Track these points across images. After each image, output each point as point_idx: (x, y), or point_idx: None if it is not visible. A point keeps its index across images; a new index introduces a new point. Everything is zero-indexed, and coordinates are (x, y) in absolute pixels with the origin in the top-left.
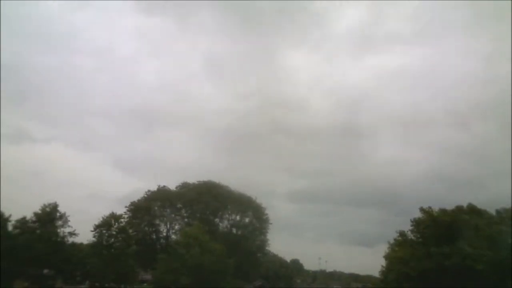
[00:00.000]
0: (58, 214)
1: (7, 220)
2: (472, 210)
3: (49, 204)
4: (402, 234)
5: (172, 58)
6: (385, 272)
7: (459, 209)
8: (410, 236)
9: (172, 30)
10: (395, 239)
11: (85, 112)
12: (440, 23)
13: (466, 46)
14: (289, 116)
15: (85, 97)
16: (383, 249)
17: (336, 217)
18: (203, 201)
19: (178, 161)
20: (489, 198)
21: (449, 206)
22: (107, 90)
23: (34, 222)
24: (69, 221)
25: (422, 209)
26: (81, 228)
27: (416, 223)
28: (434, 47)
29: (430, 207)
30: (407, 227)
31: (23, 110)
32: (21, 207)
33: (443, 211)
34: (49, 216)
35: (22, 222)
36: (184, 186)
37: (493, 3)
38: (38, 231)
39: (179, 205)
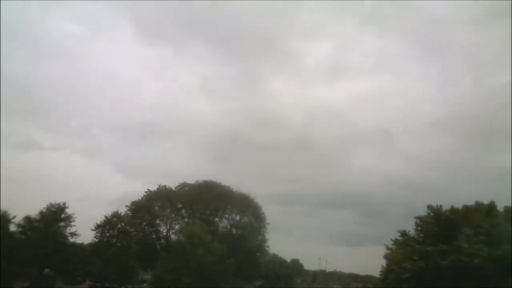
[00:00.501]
0: (63, 215)
1: (9, 220)
2: (491, 209)
3: (56, 204)
4: (403, 233)
5: (170, 81)
6: (385, 272)
7: (469, 207)
8: (413, 235)
9: (170, 57)
10: (395, 239)
11: (90, 124)
12: (395, 56)
13: (420, 73)
14: (272, 130)
15: (91, 111)
16: (368, 249)
17: (315, 217)
18: (203, 200)
19: (172, 166)
20: (442, 199)
21: (410, 207)
22: (111, 105)
23: (38, 221)
24: (73, 220)
25: (429, 207)
26: (81, 229)
27: (420, 221)
28: (393, 75)
29: (439, 205)
30: (380, 227)
31: (34, 122)
32: (27, 209)
33: (452, 209)
34: (55, 216)
35: (27, 221)
36: (184, 186)
37: (439, 38)
38: (42, 230)
39: (179, 205)
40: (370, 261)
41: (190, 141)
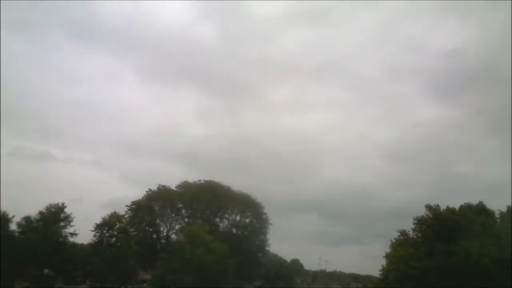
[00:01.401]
0: (63, 215)
1: (9, 220)
2: (481, 209)
3: (55, 204)
4: (403, 233)
5: (167, 110)
6: (386, 271)
7: (465, 208)
8: (412, 235)
9: (168, 93)
10: (395, 239)
11: (99, 142)
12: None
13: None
14: (249, 149)
15: (100, 132)
16: (346, 248)
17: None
18: (204, 200)
19: (170, 179)
20: (391, 205)
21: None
22: (118, 128)
23: (38, 221)
24: (72, 220)
25: (428, 207)
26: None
27: (419, 221)
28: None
29: (437, 205)
30: (346, 228)
31: (51, 140)
32: (27, 209)
33: (450, 210)
34: (54, 216)
35: (27, 220)
36: (185, 186)
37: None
38: (42, 231)
39: (179, 205)
40: (370, 261)
41: (184, 158)
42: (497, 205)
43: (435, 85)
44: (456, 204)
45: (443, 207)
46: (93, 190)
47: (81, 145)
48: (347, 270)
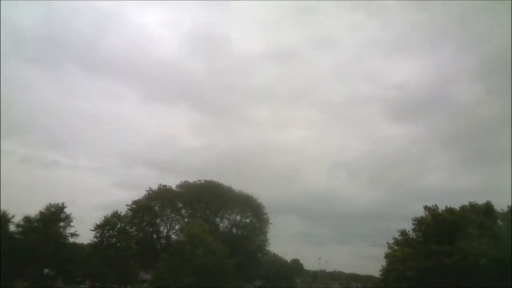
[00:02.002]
0: (63, 215)
1: (9, 220)
2: (481, 209)
3: (55, 204)
4: (403, 233)
5: (165, 124)
6: (385, 272)
7: (465, 208)
8: (412, 235)
9: (164, 110)
10: (395, 238)
11: (102, 152)
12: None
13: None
14: (238, 159)
15: (102, 142)
16: (333, 248)
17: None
18: (204, 200)
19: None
20: (363, 206)
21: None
22: (119, 139)
23: (38, 221)
24: (72, 221)
25: (426, 207)
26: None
27: (418, 222)
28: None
29: (435, 205)
30: (325, 229)
31: (59, 150)
32: (27, 208)
33: (449, 210)
34: (54, 216)
35: (27, 220)
36: (185, 186)
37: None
38: (42, 230)
39: (179, 205)
40: (370, 261)
41: (177, 163)
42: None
43: (391, 109)
44: (416, 205)
45: (404, 209)
46: (88, 193)
47: (86, 154)
48: (347, 270)
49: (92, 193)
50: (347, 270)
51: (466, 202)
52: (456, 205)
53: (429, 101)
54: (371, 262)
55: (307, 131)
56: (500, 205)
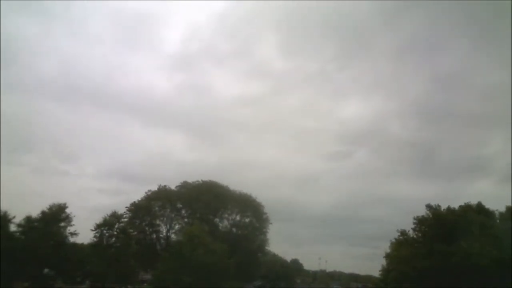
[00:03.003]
0: (64, 214)
1: (9, 220)
2: (480, 209)
3: (56, 204)
4: (403, 233)
5: (163, 144)
6: (386, 271)
7: (465, 208)
8: (412, 235)
9: (162, 133)
10: (396, 238)
11: (104, 165)
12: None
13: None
14: (224, 171)
15: (105, 157)
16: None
17: None
18: (203, 200)
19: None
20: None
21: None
22: (121, 154)
23: (38, 221)
24: (72, 220)
25: (428, 206)
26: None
27: (419, 221)
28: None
29: (437, 205)
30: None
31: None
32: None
33: (450, 210)
34: (55, 216)
35: (27, 220)
36: (184, 186)
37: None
38: (42, 230)
39: (179, 205)
40: (370, 261)
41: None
42: (494, 206)
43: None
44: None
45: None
46: (87, 197)
47: (92, 166)
48: (347, 270)
49: (90, 197)
50: (347, 270)
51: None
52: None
53: (367, 133)
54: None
55: (280, 151)
56: None
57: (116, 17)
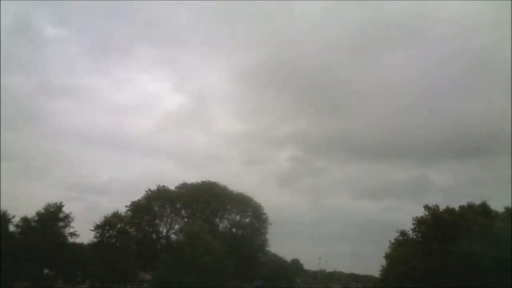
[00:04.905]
0: (62, 214)
1: (9, 220)
2: (481, 210)
3: (53, 204)
4: (402, 233)
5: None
6: (385, 271)
7: (464, 208)
8: (412, 235)
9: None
10: (396, 239)
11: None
12: None
13: None
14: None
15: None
16: None
17: None
18: (203, 200)
19: None
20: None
21: None
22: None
23: (36, 221)
24: (72, 221)
25: (426, 207)
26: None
27: (418, 221)
28: None
29: (436, 205)
30: None
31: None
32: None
33: (449, 210)
34: (53, 216)
35: (24, 221)
36: (184, 186)
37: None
38: (41, 231)
39: (178, 205)
40: (370, 261)
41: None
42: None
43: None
44: None
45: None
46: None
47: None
48: (347, 270)
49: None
50: (347, 270)
51: None
52: None
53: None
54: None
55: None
56: None
57: None
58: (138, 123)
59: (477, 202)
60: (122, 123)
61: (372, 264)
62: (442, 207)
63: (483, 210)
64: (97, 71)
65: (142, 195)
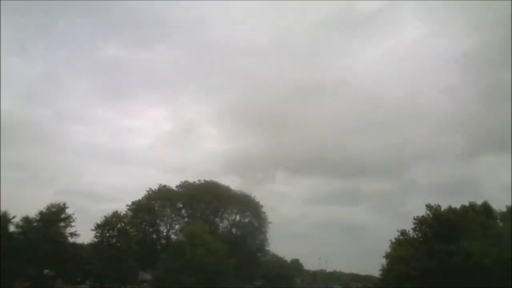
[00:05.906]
0: (64, 215)
1: (9, 221)
2: (481, 209)
3: (56, 204)
4: (403, 233)
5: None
6: (386, 271)
7: (466, 207)
8: (412, 234)
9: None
10: (396, 238)
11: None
12: None
13: None
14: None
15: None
16: None
17: None
18: (203, 200)
19: None
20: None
21: None
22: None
23: (38, 221)
24: (73, 221)
25: (428, 206)
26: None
27: (419, 221)
28: None
29: (437, 205)
30: None
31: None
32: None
33: (450, 210)
34: (54, 216)
35: (26, 220)
36: (185, 186)
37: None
38: (42, 231)
39: (179, 205)
40: (371, 261)
41: None
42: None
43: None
44: None
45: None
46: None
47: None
48: (347, 270)
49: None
50: (347, 270)
51: None
52: None
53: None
54: None
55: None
56: None
57: None
58: (136, 142)
59: (478, 202)
60: (124, 142)
61: (372, 264)
62: None
63: (485, 209)
64: (106, 104)
65: (142, 195)
